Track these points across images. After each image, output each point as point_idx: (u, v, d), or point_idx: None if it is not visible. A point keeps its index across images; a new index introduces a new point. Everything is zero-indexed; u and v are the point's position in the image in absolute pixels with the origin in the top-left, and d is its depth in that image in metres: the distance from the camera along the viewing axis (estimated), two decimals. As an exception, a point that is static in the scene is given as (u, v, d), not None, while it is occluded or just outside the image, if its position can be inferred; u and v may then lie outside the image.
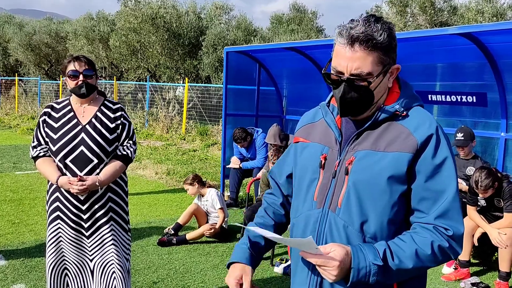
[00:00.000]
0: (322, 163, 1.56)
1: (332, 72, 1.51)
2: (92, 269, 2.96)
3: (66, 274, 2.98)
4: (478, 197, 4.35)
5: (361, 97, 1.48)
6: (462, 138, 4.89)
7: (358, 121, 1.55)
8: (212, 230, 5.11)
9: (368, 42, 1.42)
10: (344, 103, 1.49)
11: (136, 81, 18.77)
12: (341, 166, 1.52)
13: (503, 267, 4.11)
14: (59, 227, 2.89)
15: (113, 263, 2.93)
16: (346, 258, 1.39)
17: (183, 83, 16.62)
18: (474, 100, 5.49)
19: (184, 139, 13.54)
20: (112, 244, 2.92)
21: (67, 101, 2.95)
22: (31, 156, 2.94)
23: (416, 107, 1.54)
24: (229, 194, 6.95)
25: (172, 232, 5.14)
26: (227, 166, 7.18)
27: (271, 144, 6.52)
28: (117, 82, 17.77)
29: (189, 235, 5.10)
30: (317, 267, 1.43)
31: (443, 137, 1.48)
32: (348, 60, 1.44)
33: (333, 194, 1.53)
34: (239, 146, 6.91)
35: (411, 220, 1.49)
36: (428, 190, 1.44)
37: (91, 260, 2.95)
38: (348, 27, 1.44)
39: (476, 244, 4.40)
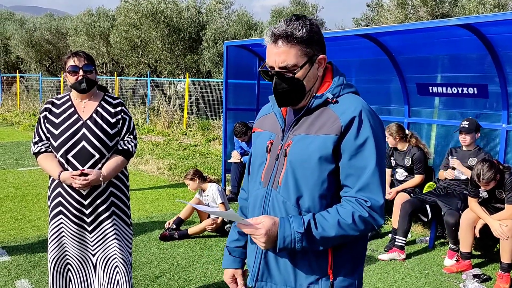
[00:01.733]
0: (269, 147, 1.76)
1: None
2: (94, 264, 2.97)
3: (69, 269, 2.99)
4: (480, 189, 4.35)
5: (292, 87, 1.66)
6: (467, 125, 4.88)
7: (297, 109, 1.74)
8: (214, 225, 5.13)
9: (288, 38, 1.62)
10: (277, 94, 1.69)
11: (137, 76, 18.76)
12: (282, 149, 1.71)
13: (505, 258, 4.12)
14: (61, 222, 2.90)
15: (115, 258, 2.94)
16: (273, 228, 1.58)
17: (184, 78, 16.59)
18: (475, 92, 5.47)
19: (186, 134, 13.55)
20: (115, 238, 2.93)
21: (68, 97, 2.96)
22: (32, 152, 2.94)
23: (347, 94, 1.70)
24: (230, 188, 6.97)
25: (174, 226, 5.17)
26: (228, 161, 7.20)
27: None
28: (118, 78, 17.78)
29: (191, 230, 5.12)
30: (251, 236, 1.62)
31: (367, 119, 1.62)
32: (275, 55, 1.65)
33: (275, 174, 1.71)
34: (239, 140, 6.92)
35: (341, 194, 1.66)
36: (352, 167, 1.61)
37: (93, 255, 2.96)
38: (273, 27, 1.65)
39: (478, 236, 4.40)
